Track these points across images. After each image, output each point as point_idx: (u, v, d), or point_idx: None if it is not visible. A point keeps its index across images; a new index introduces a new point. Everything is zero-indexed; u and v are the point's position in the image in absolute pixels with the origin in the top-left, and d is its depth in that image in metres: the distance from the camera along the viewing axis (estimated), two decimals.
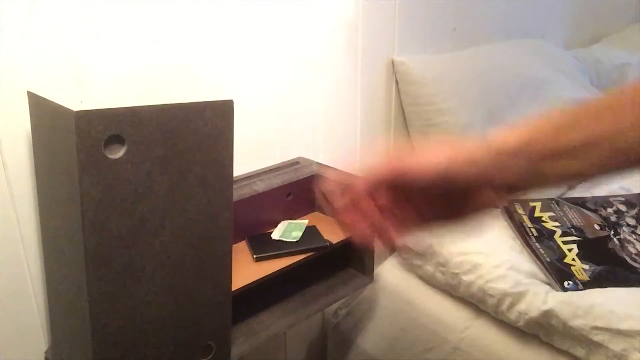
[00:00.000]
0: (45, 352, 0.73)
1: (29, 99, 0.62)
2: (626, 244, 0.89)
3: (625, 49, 1.59)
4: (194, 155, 0.58)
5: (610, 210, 0.97)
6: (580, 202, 0.99)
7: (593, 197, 1.02)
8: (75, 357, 0.64)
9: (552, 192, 1.02)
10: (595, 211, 0.97)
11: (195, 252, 0.62)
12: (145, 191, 0.55)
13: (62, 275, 0.62)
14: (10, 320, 0.69)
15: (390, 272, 1.02)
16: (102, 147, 0.51)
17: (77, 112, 0.49)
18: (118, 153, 0.52)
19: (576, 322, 0.73)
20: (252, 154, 0.89)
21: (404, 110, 1.14)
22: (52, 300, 0.69)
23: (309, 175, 0.88)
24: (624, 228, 0.93)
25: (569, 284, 0.80)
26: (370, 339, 1.01)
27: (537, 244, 0.87)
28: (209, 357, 0.67)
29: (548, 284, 0.81)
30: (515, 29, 1.36)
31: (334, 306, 1.09)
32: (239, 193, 0.79)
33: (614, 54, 1.54)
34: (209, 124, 0.59)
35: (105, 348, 0.58)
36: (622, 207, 0.98)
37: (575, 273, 0.82)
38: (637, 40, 1.65)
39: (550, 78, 1.22)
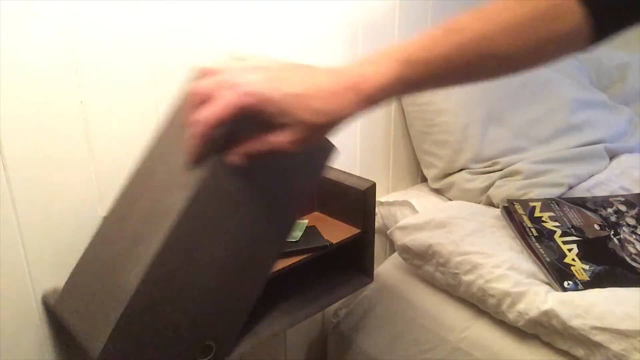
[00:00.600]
0: (44, 296, 0.72)
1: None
2: (626, 244, 0.89)
3: (625, 49, 1.59)
4: (282, 181, 0.64)
5: (610, 210, 0.97)
6: (580, 202, 0.99)
7: (593, 197, 1.02)
8: (89, 317, 0.62)
9: (552, 192, 1.02)
10: (595, 211, 0.97)
11: (246, 259, 0.64)
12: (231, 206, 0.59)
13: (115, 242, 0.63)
14: (9, 321, 0.69)
15: (390, 272, 1.02)
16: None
17: None
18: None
19: (576, 322, 0.73)
20: None
21: (404, 110, 1.14)
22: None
23: None
24: (624, 228, 0.93)
25: (569, 284, 0.80)
26: (370, 339, 1.01)
27: (537, 244, 0.87)
28: (209, 357, 0.67)
29: (548, 284, 0.81)
30: None
31: (334, 306, 1.09)
32: None
33: (614, 54, 1.54)
34: (311, 165, 0.66)
35: (120, 336, 0.58)
36: (622, 207, 0.98)
37: (575, 273, 0.82)
38: (637, 40, 1.65)
39: (550, 78, 1.22)
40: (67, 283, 0.68)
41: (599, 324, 0.72)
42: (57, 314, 0.67)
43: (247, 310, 0.69)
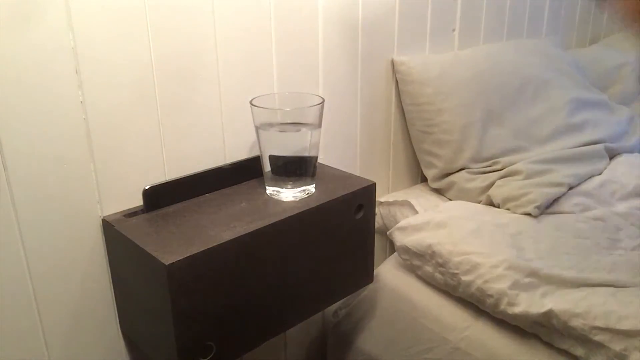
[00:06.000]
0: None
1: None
2: None
3: (625, 49, 1.59)
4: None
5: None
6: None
7: (593, 196, 1.02)
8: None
9: (552, 192, 1.02)
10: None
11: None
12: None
13: None
14: (9, 322, 0.69)
15: (390, 272, 1.02)
16: None
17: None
18: None
19: (576, 322, 0.73)
20: (254, 154, 0.89)
21: (404, 110, 1.14)
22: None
23: None
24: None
25: None
26: (370, 339, 1.01)
27: None
28: (209, 357, 0.67)
29: (548, 283, 0.81)
30: (515, 29, 1.37)
31: (334, 306, 1.09)
32: None
33: (614, 54, 1.54)
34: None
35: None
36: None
37: None
38: (636, 40, 1.65)
39: (550, 78, 1.22)
40: None
41: (599, 324, 0.72)
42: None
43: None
